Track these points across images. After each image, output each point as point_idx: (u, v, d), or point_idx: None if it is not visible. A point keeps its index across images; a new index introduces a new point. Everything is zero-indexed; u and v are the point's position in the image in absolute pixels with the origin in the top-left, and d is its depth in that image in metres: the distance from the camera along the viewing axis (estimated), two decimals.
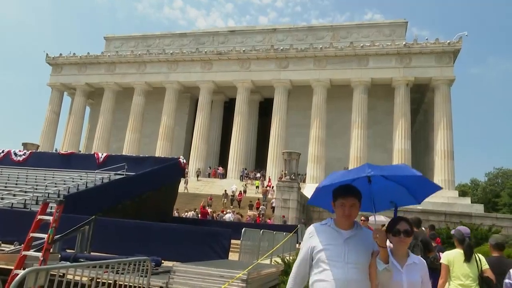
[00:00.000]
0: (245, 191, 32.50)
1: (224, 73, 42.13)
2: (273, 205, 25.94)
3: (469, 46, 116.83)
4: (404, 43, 38.23)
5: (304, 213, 25.39)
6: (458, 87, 79.69)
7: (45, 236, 6.04)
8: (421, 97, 41.97)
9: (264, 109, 44.81)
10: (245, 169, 39.36)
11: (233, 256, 10.29)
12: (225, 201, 29.76)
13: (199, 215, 25.16)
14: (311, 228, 2.73)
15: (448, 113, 36.30)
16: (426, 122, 41.48)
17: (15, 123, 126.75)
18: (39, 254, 5.89)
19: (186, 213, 25.60)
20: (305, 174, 36.79)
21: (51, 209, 9.95)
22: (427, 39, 38.13)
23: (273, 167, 37.50)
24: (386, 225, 2.77)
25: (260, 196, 31.29)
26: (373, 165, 2.71)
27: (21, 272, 3.25)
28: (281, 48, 41.05)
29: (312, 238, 2.66)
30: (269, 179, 35.71)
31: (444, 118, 35.90)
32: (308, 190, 30.87)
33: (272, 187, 32.25)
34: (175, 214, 23.52)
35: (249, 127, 41.98)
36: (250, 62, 41.63)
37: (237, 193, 30.91)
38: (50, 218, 6.22)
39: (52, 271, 4.11)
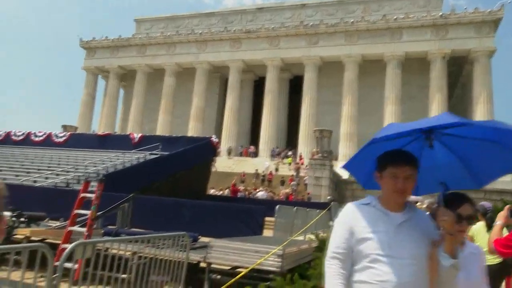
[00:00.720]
0: (276, 170, 32.62)
1: (253, 51, 41.84)
2: (306, 182, 25.96)
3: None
4: (440, 14, 36.56)
5: (337, 191, 25.29)
6: (499, 59, 76.22)
7: (88, 212, 6.34)
8: (458, 70, 40.29)
9: (294, 87, 44.35)
10: (276, 147, 39.39)
11: (266, 233, 10.44)
12: (255, 181, 30.00)
13: (231, 193, 25.55)
14: (347, 210, 2.00)
15: (488, 86, 34.76)
16: (464, 96, 39.91)
17: (55, 106, 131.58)
18: (84, 230, 6.19)
19: (220, 191, 26.04)
20: (337, 152, 36.47)
21: (92, 187, 10.37)
22: (465, 8, 36.32)
23: (305, 146, 37.35)
24: (437, 205, 1.97)
25: (292, 173, 31.30)
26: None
27: (70, 246, 3.43)
28: (311, 24, 40.22)
29: (350, 223, 1.93)
30: (301, 156, 35.57)
31: (484, 92, 34.42)
32: (341, 168, 30.66)
33: (306, 166, 32.17)
34: (210, 192, 23.97)
35: (279, 105, 41.77)
36: (279, 39, 41.09)
37: (270, 170, 31.12)
38: (92, 196, 6.50)
39: (97, 245, 4.32)
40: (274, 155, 37.61)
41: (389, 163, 1.93)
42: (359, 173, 2.32)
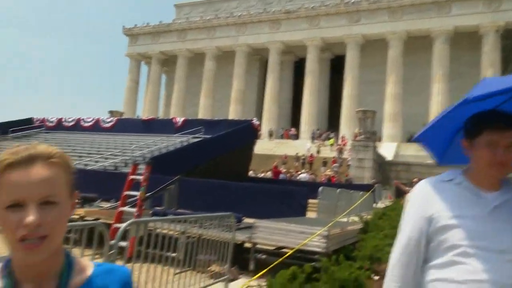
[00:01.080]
0: (318, 152, 32.33)
1: (292, 32, 41.22)
2: (349, 164, 25.60)
3: None
4: None
5: (380, 173, 24.76)
6: None
7: (137, 194, 6.59)
8: None
9: (336, 67, 43.41)
10: (318, 129, 38.95)
11: (309, 215, 10.43)
12: (296, 164, 29.90)
13: (272, 176, 25.65)
14: (422, 189, 1.52)
15: None
16: None
17: (102, 93, 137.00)
18: (134, 210, 6.45)
19: (261, 174, 26.23)
20: (381, 133, 35.53)
21: (139, 170, 10.75)
22: None
23: (347, 127, 36.69)
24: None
25: (334, 155, 30.88)
26: None
27: (123, 225, 3.58)
28: (352, 1, 38.93)
29: (428, 205, 1.46)
30: (343, 138, 34.94)
31: None
32: (385, 149, 29.90)
33: (348, 148, 31.62)
34: (253, 174, 24.20)
35: (320, 86, 41.11)
36: (320, 19, 40.16)
37: (312, 152, 30.92)
38: (141, 178, 6.74)
39: (148, 224, 4.48)
40: (315, 137, 37.23)
41: (486, 127, 1.43)
42: (435, 145, 1.79)
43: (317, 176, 25.48)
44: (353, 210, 10.73)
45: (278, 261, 4.97)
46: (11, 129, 24.29)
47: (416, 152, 30.42)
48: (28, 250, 0.75)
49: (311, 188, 12.38)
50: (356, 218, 10.74)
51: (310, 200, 10.76)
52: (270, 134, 39.00)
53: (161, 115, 48.88)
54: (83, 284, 0.86)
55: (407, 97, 36.68)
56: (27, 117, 26.59)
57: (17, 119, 26.01)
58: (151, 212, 7.57)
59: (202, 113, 42.85)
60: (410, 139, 34.97)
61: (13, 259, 0.82)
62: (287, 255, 5.26)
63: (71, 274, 0.85)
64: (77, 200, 0.88)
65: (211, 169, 15.64)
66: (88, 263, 0.91)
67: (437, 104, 34.10)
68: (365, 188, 17.06)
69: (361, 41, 38.73)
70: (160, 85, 50.32)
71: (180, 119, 21.92)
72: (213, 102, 44.90)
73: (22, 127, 24.81)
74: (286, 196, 9.90)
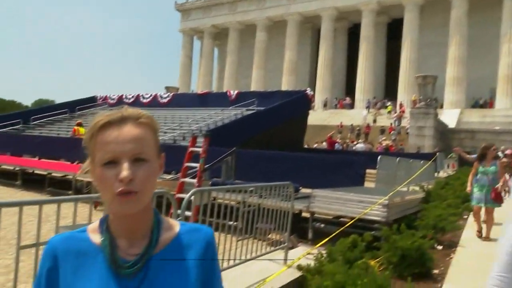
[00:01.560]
0: (374, 121, 31.35)
1: None
2: (408, 132, 24.64)
3: None
4: None
5: (442, 141, 23.59)
6: None
7: (197, 165, 6.80)
8: None
9: (393, 32, 41.23)
10: (374, 98, 37.63)
11: (367, 185, 10.25)
12: (350, 135, 29.22)
13: (327, 146, 25.32)
14: None
15: None
16: None
17: (158, 69, 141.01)
18: (194, 181, 6.69)
19: (315, 144, 26.01)
20: (443, 99, 33.62)
21: (198, 143, 11.08)
22: None
23: (405, 94, 35.07)
24: None
25: (392, 123, 29.75)
26: None
27: (188, 194, 3.73)
28: None
29: None
30: (401, 105, 33.43)
31: None
32: (447, 116, 28.35)
33: (406, 115, 30.32)
34: (306, 146, 24.06)
35: (376, 52, 39.37)
36: None
37: (368, 122, 30.06)
38: (200, 150, 6.93)
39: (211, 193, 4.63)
40: (370, 106, 36.03)
41: None
42: None
43: (373, 146, 24.81)
44: (414, 179, 10.38)
45: (338, 230, 4.96)
46: (78, 107, 25.91)
47: (481, 119, 28.58)
48: (124, 202, 0.80)
49: (368, 158, 12.10)
50: (417, 188, 10.41)
51: (368, 170, 10.53)
52: (324, 104, 38.30)
53: (214, 89, 49.59)
54: (172, 240, 0.91)
55: (471, 60, 34.20)
56: (91, 95, 28.17)
57: (82, 97, 27.64)
58: (210, 183, 7.82)
59: (255, 85, 42.86)
60: (474, 105, 32.84)
61: (109, 213, 0.88)
62: (347, 224, 5.24)
63: (160, 231, 0.91)
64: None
65: (266, 141, 15.75)
66: (174, 222, 0.96)
67: (506, 66, 31.52)
68: (426, 157, 16.37)
69: (421, 2, 36.31)
70: (212, 59, 50.84)
71: (234, 92, 22.11)
72: (265, 74, 44.68)
73: (87, 105, 26.35)
74: (343, 166, 9.76)
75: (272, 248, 5.23)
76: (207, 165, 7.48)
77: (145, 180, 0.83)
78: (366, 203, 5.61)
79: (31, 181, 12.47)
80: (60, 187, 11.43)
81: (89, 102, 26.95)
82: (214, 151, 9.49)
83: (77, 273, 0.85)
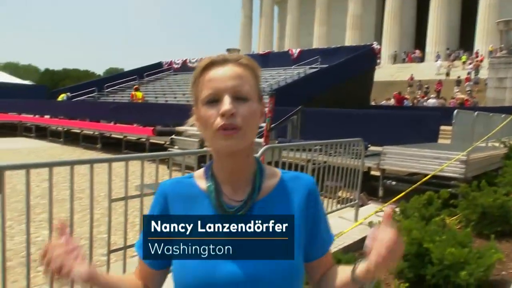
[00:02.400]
0: (447, 74, 29.21)
1: None
2: (486, 83, 22.71)
3: None
4: None
5: None
6: None
7: (263, 124, 6.84)
8: None
9: None
10: (447, 49, 34.89)
11: (442, 141, 9.72)
12: (419, 92, 27.51)
13: (395, 103, 24.17)
14: None
15: None
16: None
17: (218, 32, 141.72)
18: (261, 140, 6.75)
19: (383, 102, 24.97)
20: None
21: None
22: None
23: (482, 43, 32.12)
24: None
25: (467, 73, 27.48)
26: None
27: (260, 150, 3.79)
28: None
29: None
30: (476, 53, 30.66)
31: None
32: None
33: (482, 64, 27.87)
34: (373, 104, 23.20)
35: None
36: None
37: (440, 78, 28.07)
38: (266, 109, 6.94)
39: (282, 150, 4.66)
40: (443, 58, 33.47)
41: None
42: None
43: (446, 100, 23.27)
44: (494, 135, 9.64)
45: (412, 187, 4.79)
46: (145, 73, 26.97)
47: None
48: (227, 137, 0.81)
49: (441, 114, 11.39)
50: (497, 144, 9.68)
51: (442, 127, 9.96)
52: (392, 59, 36.28)
53: (275, 48, 48.87)
54: (274, 187, 0.91)
55: None
56: (157, 61, 29.10)
57: (149, 64, 28.66)
58: (276, 142, 7.86)
59: (317, 43, 41.58)
60: None
61: (213, 152, 0.89)
62: (423, 180, 5.03)
63: (263, 178, 0.91)
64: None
65: (331, 99, 15.38)
66: (276, 169, 0.97)
67: None
68: (506, 110, 15.06)
69: None
70: (273, 18, 49.83)
71: (296, 51, 21.63)
72: (328, 30, 43.05)
73: (154, 70, 27.32)
74: (415, 122, 9.30)
75: (342, 206, 5.20)
76: (273, 124, 7.50)
77: (247, 117, 0.83)
78: (442, 159, 5.32)
79: (109, 144, 13.42)
80: (135, 149, 12.18)
81: (156, 68, 27.89)
82: (279, 111, 9.45)
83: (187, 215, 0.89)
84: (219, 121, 0.81)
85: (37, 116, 19.42)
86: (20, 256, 3.92)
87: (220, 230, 0.84)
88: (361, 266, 0.81)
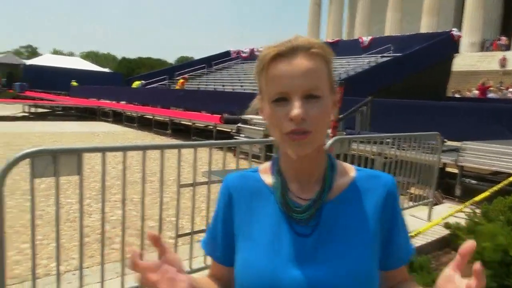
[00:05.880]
0: None
1: None
2: None
3: None
4: None
5: None
6: None
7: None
8: None
9: None
10: None
11: None
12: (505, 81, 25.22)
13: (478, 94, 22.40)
14: None
15: None
16: None
17: (283, 19, 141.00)
18: (329, 131, 6.58)
19: (468, 93, 23.28)
20: None
21: None
22: None
23: None
24: None
25: None
26: None
27: (329, 141, 3.66)
28: None
29: None
30: None
31: None
32: None
33: None
34: (456, 95, 21.74)
35: None
36: None
37: None
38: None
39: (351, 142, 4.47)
40: None
41: None
42: None
43: None
44: None
45: (495, 187, 4.37)
46: (214, 62, 27.56)
47: None
48: (295, 143, 0.74)
49: None
50: None
51: None
52: (478, 46, 33.57)
53: (345, 37, 47.50)
54: (347, 187, 0.83)
55: None
56: (225, 50, 29.60)
57: (217, 53, 29.24)
58: (344, 133, 7.62)
59: (389, 30, 39.67)
60: None
61: (281, 153, 0.83)
62: (506, 181, 4.57)
63: (334, 176, 0.83)
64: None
65: (404, 89, 14.64)
66: (350, 166, 0.87)
67: None
68: None
69: None
70: (343, 5, 48.38)
71: (366, 39, 20.81)
72: (401, 16, 40.87)
73: (222, 59, 27.83)
74: (501, 115, 8.52)
75: (414, 203, 4.91)
76: (342, 115, 7.26)
77: (318, 119, 0.74)
78: None
79: (178, 130, 13.95)
80: (202, 135, 12.54)
81: (224, 57, 28.39)
82: (347, 101, 9.14)
83: (250, 211, 0.84)
84: (288, 125, 0.73)
85: (113, 101, 20.68)
86: (96, 233, 4.17)
87: (287, 231, 0.79)
88: None
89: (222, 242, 0.87)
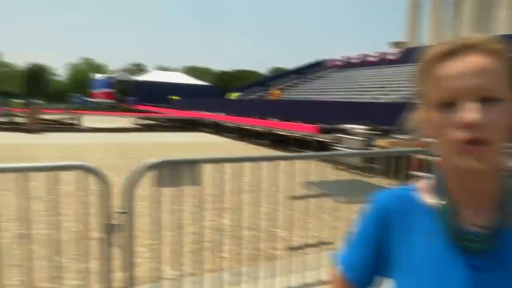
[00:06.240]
0: None
1: None
2: None
3: None
4: None
5: None
6: None
7: None
8: None
9: None
10: None
11: None
12: None
13: None
14: None
15: None
16: None
17: (376, 25, 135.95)
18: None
19: None
20: None
21: None
22: None
23: None
24: None
25: None
26: None
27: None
28: None
29: None
30: None
31: None
32: None
33: None
34: None
35: None
36: None
37: None
38: None
39: None
40: None
41: None
42: None
43: None
44: None
45: None
46: (306, 71, 27.67)
47: None
48: (469, 155, 0.62)
49: None
50: None
51: None
52: None
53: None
54: None
55: None
56: (318, 59, 29.53)
57: (310, 62, 29.27)
58: None
59: (503, 28, 35.96)
60: None
61: (449, 168, 0.71)
62: None
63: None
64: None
65: None
66: None
67: None
68: None
69: None
70: (445, 6, 45.19)
71: None
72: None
73: (315, 69, 27.80)
74: None
75: None
76: None
77: (499, 126, 0.62)
78: None
79: (276, 141, 14.21)
80: (300, 145, 12.59)
81: (319, 66, 28.31)
82: None
83: (410, 238, 0.75)
84: (459, 133, 0.62)
85: (213, 113, 21.87)
86: (206, 240, 4.39)
87: (460, 264, 0.68)
88: None
89: (366, 264, 0.80)
